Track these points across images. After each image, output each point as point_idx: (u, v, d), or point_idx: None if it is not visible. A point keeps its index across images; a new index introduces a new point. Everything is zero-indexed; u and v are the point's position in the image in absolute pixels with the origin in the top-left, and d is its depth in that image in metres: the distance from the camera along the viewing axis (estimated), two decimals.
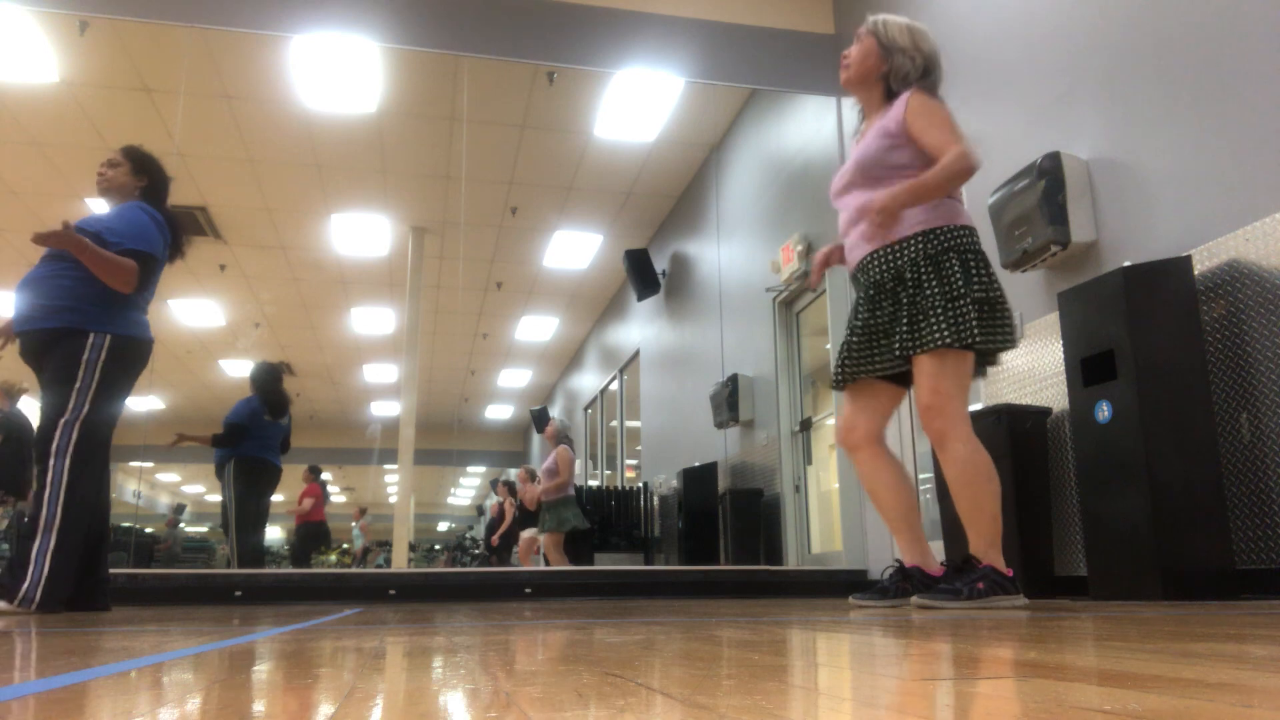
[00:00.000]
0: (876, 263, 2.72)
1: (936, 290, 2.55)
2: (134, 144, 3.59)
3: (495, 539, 10.36)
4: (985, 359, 2.72)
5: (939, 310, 2.53)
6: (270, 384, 6.13)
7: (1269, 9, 3.05)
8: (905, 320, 2.59)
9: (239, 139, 7.53)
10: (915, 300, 2.58)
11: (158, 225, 3.36)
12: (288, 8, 5.54)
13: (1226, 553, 2.95)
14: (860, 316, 2.75)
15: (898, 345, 2.60)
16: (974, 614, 2.23)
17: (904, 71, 2.81)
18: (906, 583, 2.72)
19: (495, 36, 5.87)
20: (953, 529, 3.70)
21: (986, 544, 2.56)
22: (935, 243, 2.61)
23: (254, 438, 5.89)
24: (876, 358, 2.72)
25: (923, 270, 2.59)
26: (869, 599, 2.75)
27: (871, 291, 2.74)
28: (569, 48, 5.96)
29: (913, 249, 2.63)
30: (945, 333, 2.51)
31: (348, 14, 5.61)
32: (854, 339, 2.76)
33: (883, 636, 1.48)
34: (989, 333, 2.55)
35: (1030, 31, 4.22)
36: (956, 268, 2.57)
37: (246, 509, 5.75)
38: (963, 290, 2.53)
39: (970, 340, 2.51)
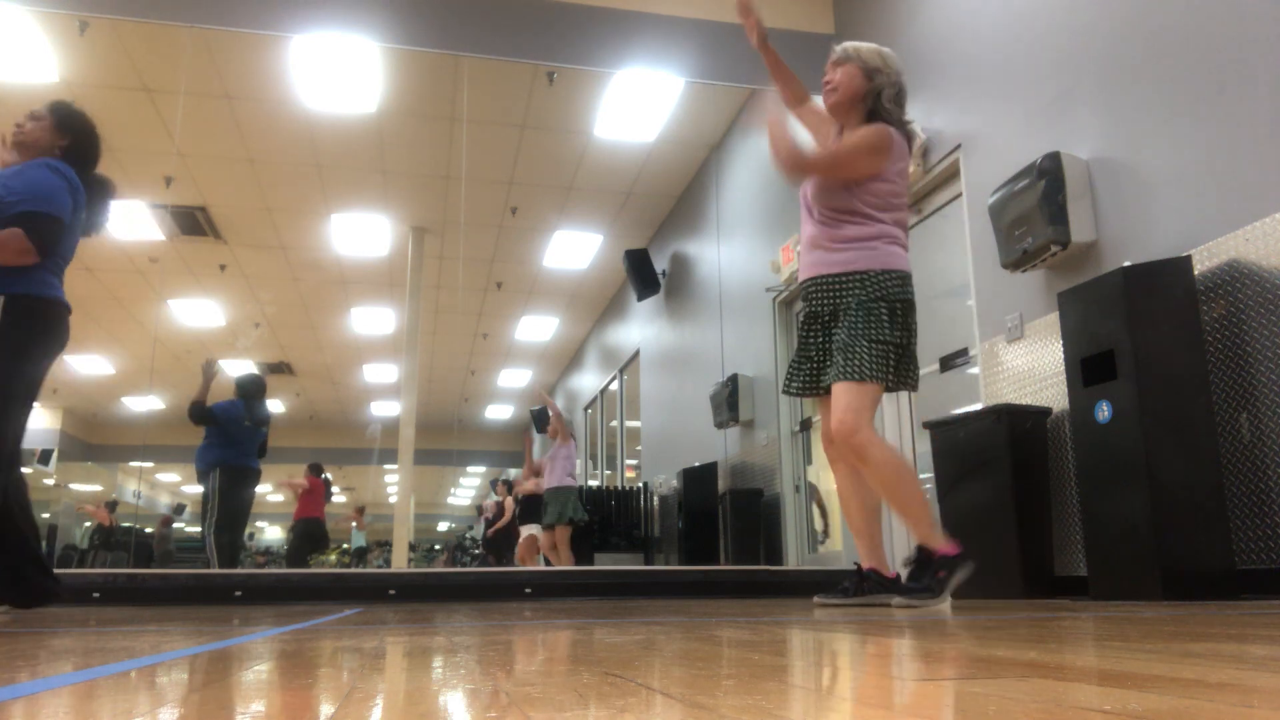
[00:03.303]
0: (818, 292, 2.96)
1: (861, 331, 2.82)
2: (66, 100, 3.25)
3: (491, 532, 10.36)
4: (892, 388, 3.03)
5: (864, 348, 2.81)
6: (257, 394, 6.53)
7: (1269, 9, 3.05)
8: (835, 353, 2.88)
9: (239, 139, 7.52)
10: (841, 337, 2.86)
11: (69, 186, 3.07)
12: (288, 8, 5.54)
13: (1226, 553, 2.95)
14: (807, 339, 3.04)
15: (831, 374, 2.89)
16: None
17: (886, 91, 2.98)
18: (865, 583, 2.99)
19: (495, 36, 5.87)
20: (948, 520, 3.70)
21: (927, 528, 2.79)
22: (869, 289, 2.86)
23: (237, 444, 6.28)
24: (820, 380, 3.02)
25: (854, 314, 2.85)
26: (833, 599, 3.01)
27: (810, 319, 3.02)
28: (569, 48, 5.95)
29: (849, 292, 2.88)
30: (866, 368, 2.79)
31: (348, 14, 5.61)
32: (805, 358, 3.05)
33: (882, 637, 1.48)
34: (902, 375, 2.88)
35: (1029, 31, 4.22)
36: (884, 316, 2.83)
37: (228, 509, 6.16)
38: (886, 336, 2.82)
39: (885, 380, 2.82)
